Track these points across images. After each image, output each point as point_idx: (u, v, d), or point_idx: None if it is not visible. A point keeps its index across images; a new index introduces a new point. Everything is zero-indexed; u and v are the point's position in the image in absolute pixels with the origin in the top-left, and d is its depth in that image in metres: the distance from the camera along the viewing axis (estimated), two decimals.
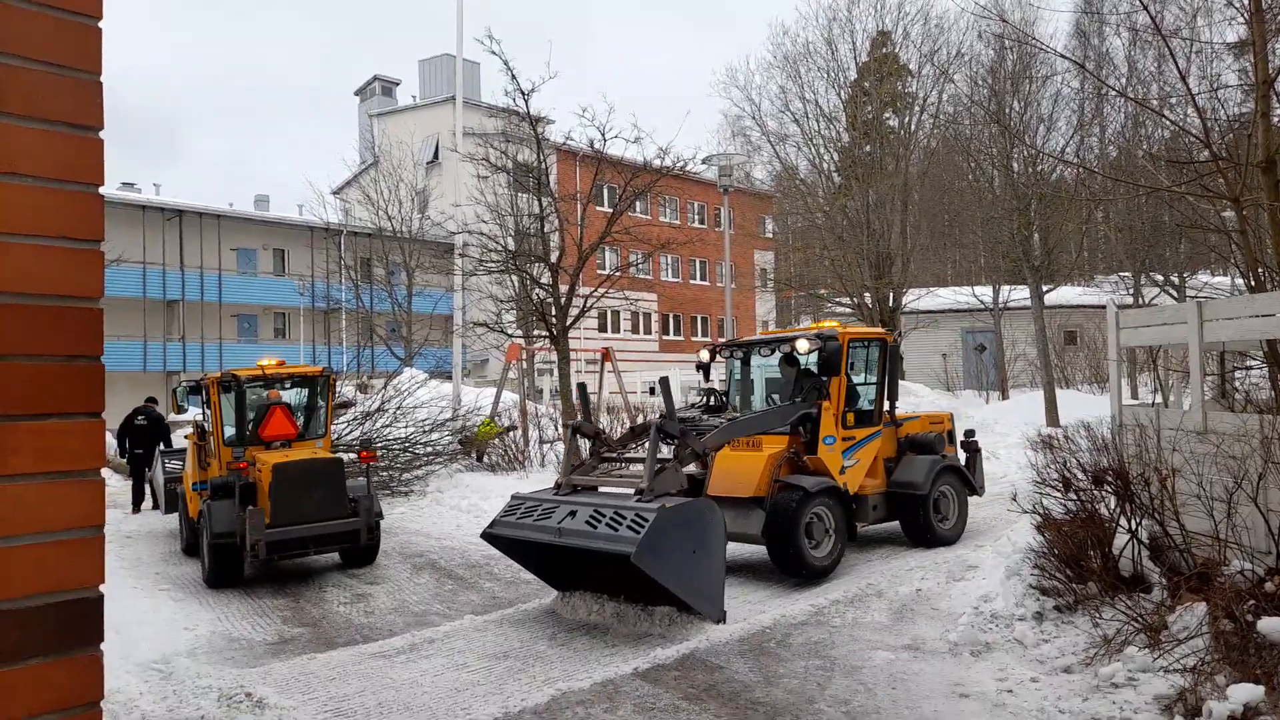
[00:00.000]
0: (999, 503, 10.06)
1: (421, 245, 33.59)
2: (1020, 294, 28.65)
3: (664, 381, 8.11)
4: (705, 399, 9.94)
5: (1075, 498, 6.60)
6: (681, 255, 43.08)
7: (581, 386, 9.20)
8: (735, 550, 9.25)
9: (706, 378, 10.44)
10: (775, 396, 10.01)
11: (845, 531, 8.58)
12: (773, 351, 9.81)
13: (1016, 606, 6.32)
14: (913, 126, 30.04)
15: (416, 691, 5.96)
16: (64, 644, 1.47)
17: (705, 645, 6.50)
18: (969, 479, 10.12)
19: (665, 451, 7.89)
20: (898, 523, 9.78)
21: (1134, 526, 6.13)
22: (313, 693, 6.01)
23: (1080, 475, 6.67)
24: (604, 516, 6.84)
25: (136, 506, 14.99)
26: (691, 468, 8.75)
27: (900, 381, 23.97)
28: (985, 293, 32.96)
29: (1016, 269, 25.72)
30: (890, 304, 28.09)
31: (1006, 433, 18.01)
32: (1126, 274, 27.81)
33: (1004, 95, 23.46)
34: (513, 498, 8.00)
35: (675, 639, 6.68)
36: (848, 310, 29.20)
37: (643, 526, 6.46)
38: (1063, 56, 13.95)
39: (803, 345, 8.88)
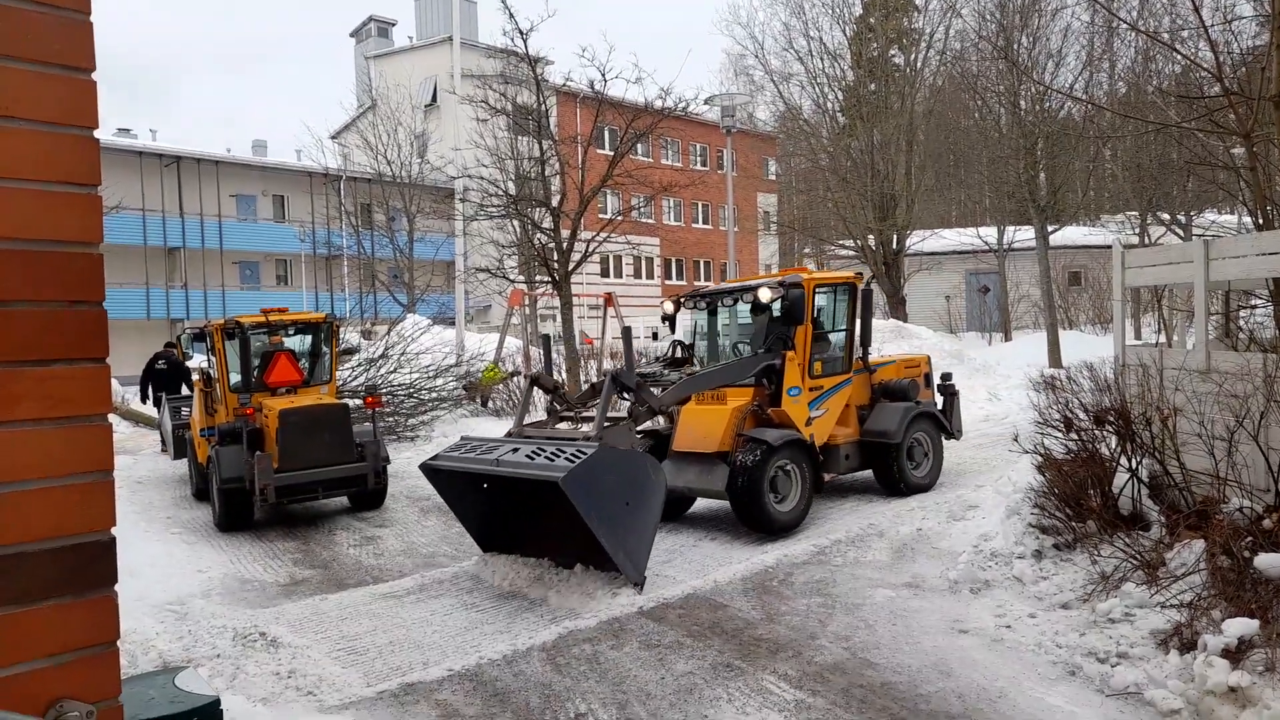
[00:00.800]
0: (1000, 443, 10.12)
1: (421, 190, 33.30)
2: (1025, 235, 28.42)
3: (626, 331, 7.82)
4: (670, 351, 9.62)
5: (1076, 437, 6.63)
6: (684, 198, 42.65)
7: (545, 338, 9.02)
8: None
9: (673, 329, 10.06)
10: (742, 346, 9.61)
11: (811, 484, 8.33)
12: (735, 301, 9.39)
13: (1016, 545, 6.40)
14: (919, 64, 29.51)
15: (427, 630, 6.09)
16: (79, 585, 1.50)
17: (709, 585, 6.60)
18: (944, 424, 9.87)
19: (624, 409, 7.67)
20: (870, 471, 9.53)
21: (1134, 465, 6.16)
22: (325, 632, 6.14)
23: (1082, 415, 6.70)
24: (544, 450, 6.64)
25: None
26: (656, 423, 8.65)
27: (903, 324, 23.83)
28: (990, 234, 32.70)
29: (1022, 209, 25.48)
30: (894, 246, 27.92)
31: (1009, 374, 18.02)
32: (1133, 213, 27.52)
33: (1012, 30, 22.96)
34: (461, 438, 7.85)
35: (680, 580, 6.80)
36: (851, 253, 29.03)
37: (580, 458, 6.30)
38: None
39: (765, 293, 8.55)
